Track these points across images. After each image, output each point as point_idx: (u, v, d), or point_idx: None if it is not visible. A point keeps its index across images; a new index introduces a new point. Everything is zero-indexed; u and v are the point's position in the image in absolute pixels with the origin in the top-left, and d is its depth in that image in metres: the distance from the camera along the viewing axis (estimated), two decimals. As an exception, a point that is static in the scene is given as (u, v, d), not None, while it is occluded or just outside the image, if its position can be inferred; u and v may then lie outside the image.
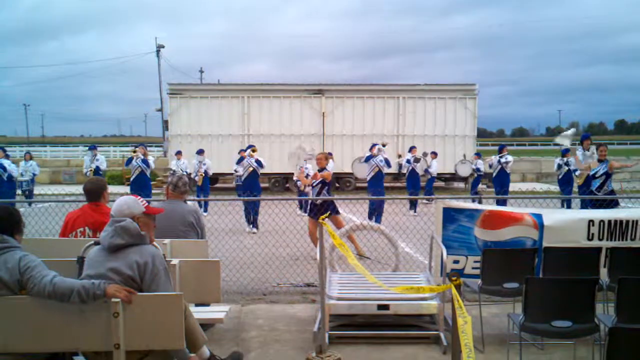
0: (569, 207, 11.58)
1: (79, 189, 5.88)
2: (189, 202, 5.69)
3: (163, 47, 38.57)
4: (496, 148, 17.69)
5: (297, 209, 13.91)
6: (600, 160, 9.84)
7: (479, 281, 4.99)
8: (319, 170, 9.15)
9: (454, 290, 3.69)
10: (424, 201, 15.81)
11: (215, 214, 11.36)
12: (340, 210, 9.13)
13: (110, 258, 3.32)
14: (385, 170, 12.56)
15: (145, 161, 13.70)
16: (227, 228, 9.09)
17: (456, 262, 5.61)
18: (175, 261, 4.09)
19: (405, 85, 22.50)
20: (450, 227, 5.66)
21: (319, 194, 9.00)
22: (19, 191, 16.53)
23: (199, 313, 4.36)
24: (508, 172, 15.28)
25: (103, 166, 16.41)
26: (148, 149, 18.44)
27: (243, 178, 12.66)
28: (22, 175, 16.68)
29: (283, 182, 20.88)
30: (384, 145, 13.28)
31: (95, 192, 4.67)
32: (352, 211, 11.86)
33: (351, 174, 19.57)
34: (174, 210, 5.04)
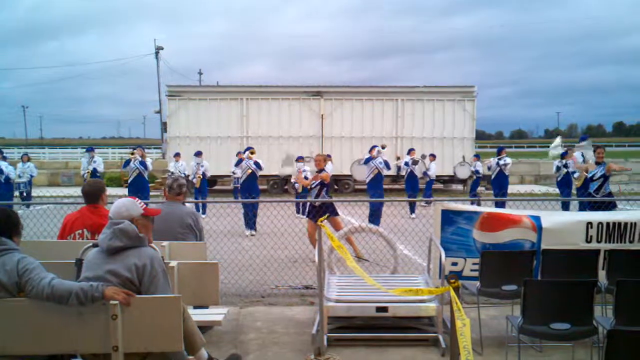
0: (567, 209, 11.60)
1: (77, 191, 5.87)
2: (187, 204, 5.69)
3: (162, 48, 38.57)
4: (495, 150, 17.73)
5: (295, 212, 13.93)
6: (597, 163, 9.84)
7: (478, 283, 4.99)
8: (318, 172, 9.15)
9: (452, 293, 3.70)
10: (423, 203, 15.82)
11: (214, 216, 11.35)
12: (339, 212, 9.13)
13: (109, 260, 3.32)
14: (385, 172, 12.57)
15: (143, 163, 13.69)
16: (225, 230, 9.08)
17: (455, 264, 5.61)
18: (173, 263, 4.09)
19: (404, 87, 22.52)
20: (449, 230, 5.66)
21: (317, 195, 9.00)
22: (16, 193, 16.52)
23: (197, 315, 4.35)
24: (507, 174, 15.31)
25: (100, 168, 16.41)
26: (146, 150, 18.45)
27: (241, 180, 12.65)
28: (19, 177, 16.66)
29: (282, 184, 20.88)
30: (383, 148, 13.29)
31: (93, 194, 4.67)
32: (351, 213, 11.87)
33: (350, 176, 19.59)
34: (172, 213, 5.04)
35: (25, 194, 16.80)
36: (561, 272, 4.74)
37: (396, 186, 21.03)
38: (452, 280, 3.80)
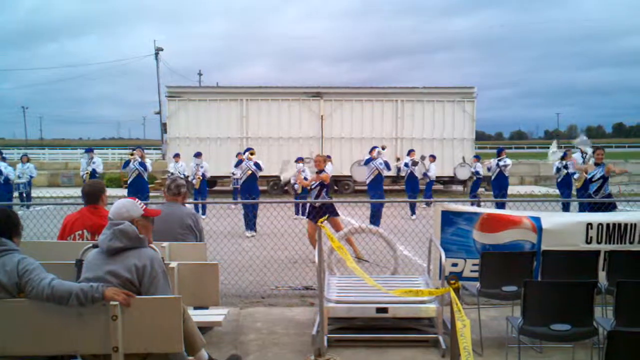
0: (567, 210, 11.61)
1: (77, 192, 5.87)
2: (187, 205, 5.68)
3: (162, 49, 38.60)
4: (494, 151, 17.72)
5: (294, 213, 13.93)
6: (597, 164, 9.84)
7: (478, 284, 4.99)
8: (317, 173, 9.15)
9: (452, 294, 3.70)
10: (423, 205, 15.82)
11: (214, 217, 11.35)
12: (339, 213, 9.13)
13: (109, 261, 3.32)
14: (385, 173, 12.57)
15: (142, 164, 13.69)
16: (225, 231, 9.08)
17: (455, 265, 5.61)
18: (173, 264, 4.09)
19: (404, 88, 22.52)
20: (449, 230, 5.66)
21: (317, 196, 9.00)
22: (15, 194, 16.52)
23: (197, 316, 4.35)
24: (507, 175, 15.30)
25: (99, 169, 16.38)
26: (146, 151, 18.45)
27: (242, 181, 12.66)
28: (19, 177, 16.66)
29: (282, 185, 20.87)
30: (383, 148, 13.29)
31: (93, 195, 4.67)
32: (351, 214, 11.86)
33: (350, 176, 19.58)
34: (172, 213, 5.04)
35: (24, 195, 16.80)
36: (561, 273, 4.74)
37: (396, 187, 21.04)
38: (452, 281, 3.80)
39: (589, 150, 13.04)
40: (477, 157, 18.24)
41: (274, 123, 21.27)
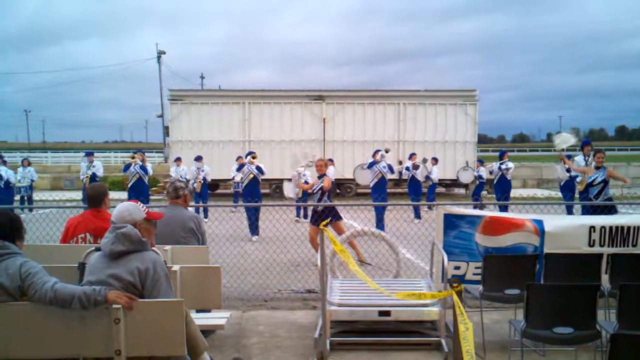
0: (571, 213, 11.57)
1: (79, 195, 5.89)
2: (190, 209, 5.69)
3: (164, 53, 38.79)
4: (497, 154, 17.71)
5: (295, 216, 13.94)
6: (597, 167, 9.81)
7: (480, 287, 4.98)
8: (319, 177, 9.14)
9: (455, 297, 3.70)
10: (425, 208, 15.80)
11: (216, 220, 11.35)
12: (342, 216, 9.12)
13: (111, 264, 3.32)
14: (389, 176, 12.58)
15: (143, 167, 13.71)
16: (227, 234, 9.09)
17: (457, 268, 5.60)
18: (176, 267, 4.09)
19: (406, 91, 22.52)
20: (451, 233, 5.65)
21: (319, 200, 9.00)
22: (17, 197, 16.55)
23: (200, 319, 4.35)
24: (509, 178, 15.28)
25: (99, 173, 16.36)
26: (149, 155, 18.48)
27: (244, 185, 12.66)
28: (19, 181, 16.69)
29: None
30: (387, 152, 13.30)
31: (96, 198, 4.68)
32: (353, 217, 11.86)
33: (352, 179, 19.58)
34: (174, 216, 5.04)
35: (26, 198, 16.84)
36: (564, 276, 4.73)
37: (399, 190, 21.02)
38: (455, 284, 3.80)
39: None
40: (481, 162, 18.25)
41: (276, 126, 21.28)
